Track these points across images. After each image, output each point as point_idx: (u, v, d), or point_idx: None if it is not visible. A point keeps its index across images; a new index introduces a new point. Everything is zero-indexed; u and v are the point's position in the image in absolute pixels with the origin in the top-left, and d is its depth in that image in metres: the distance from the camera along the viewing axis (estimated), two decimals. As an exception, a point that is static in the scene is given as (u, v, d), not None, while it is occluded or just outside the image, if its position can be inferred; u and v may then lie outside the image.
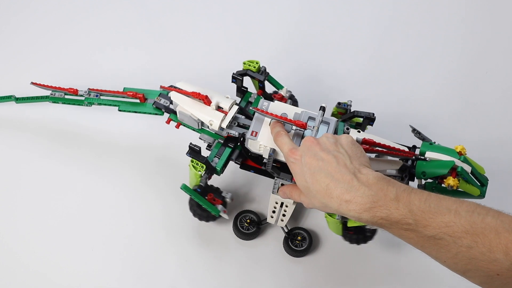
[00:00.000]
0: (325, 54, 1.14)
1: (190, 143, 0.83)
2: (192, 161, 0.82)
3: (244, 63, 0.91)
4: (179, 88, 0.87)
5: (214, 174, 0.86)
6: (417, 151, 0.83)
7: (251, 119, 0.84)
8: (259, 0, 1.21)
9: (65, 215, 0.93)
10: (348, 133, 0.84)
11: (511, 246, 0.57)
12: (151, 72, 1.08)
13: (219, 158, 0.85)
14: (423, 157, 0.82)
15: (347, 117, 0.89)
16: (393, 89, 1.10)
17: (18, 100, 0.97)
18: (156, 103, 0.89)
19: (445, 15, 1.20)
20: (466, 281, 0.63)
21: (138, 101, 0.91)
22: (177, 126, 0.88)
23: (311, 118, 0.81)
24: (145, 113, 0.90)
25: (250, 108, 0.85)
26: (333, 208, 0.66)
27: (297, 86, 1.04)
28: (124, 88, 0.91)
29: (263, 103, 0.83)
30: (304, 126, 0.79)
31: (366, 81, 1.11)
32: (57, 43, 1.12)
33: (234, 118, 0.84)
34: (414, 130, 0.87)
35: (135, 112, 0.91)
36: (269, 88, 0.95)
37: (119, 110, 0.91)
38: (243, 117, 0.85)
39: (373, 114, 0.88)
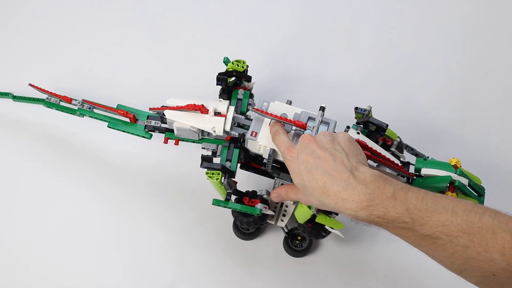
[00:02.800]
0: (323, 57, 1.14)
1: (202, 155, 0.82)
2: (207, 173, 0.80)
3: (232, 63, 0.88)
4: (170, 106, 0.85)
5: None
6: (412, 168, 0.83)
7: (246, 116, 0.84)
8: (261, 4, 1.21)
9: (65, 215, 0.93)
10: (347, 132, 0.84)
11: (507, 246, 0.57)
12: (149, 72, 1.08)
13: (230, 161, 0.84)
14: (418, 174, 0.82)
15: (362, 121, 0.87)
16: (393, 90, 1.10)
17: (16, 98, 0.97)
18: (148, 126, 0.88)
19: (445, 16, 1.20)
20: (463, 280, 0.63)
21: (128, 120, 0.89)
22: (176, 143, 0.87)
23: (311, 118, 0.81)
24: (133, 134, 0.88)
25: (250, 109, 0.84)
26: (330, 205, 0.66)
27: (296, 87, 1.04)
28: (117, 105, 0.90)
29: (263, 103, 0.83)
30: (304, 127, 0.79)
31: (365, 83, 1.11)
32: (58, 44, 1.12)
33: (233, 119, 0.84)
34: (406, 146, 0.87)
35: (124, 131, 0.89)
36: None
37: (108, 127, 0.89)
38: (239, 116, 0.85)
39: (387, 125, 0.85)
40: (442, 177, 0.80)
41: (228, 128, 0.83)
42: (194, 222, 0.92)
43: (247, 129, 0.82)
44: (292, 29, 1.17)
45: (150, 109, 0.88)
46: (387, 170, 0.83)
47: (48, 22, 1.14)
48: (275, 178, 0.85)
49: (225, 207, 0.83)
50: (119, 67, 1.09)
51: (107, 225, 0.92)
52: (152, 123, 0.88)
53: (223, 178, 0.80)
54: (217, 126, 0.83)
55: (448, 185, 0.79)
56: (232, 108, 0.84)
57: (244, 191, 0.87)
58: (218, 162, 0.83)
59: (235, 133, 0.83)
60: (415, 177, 0.83)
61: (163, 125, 0.87)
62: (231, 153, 0.85)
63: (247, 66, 0.88)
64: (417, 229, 0.61)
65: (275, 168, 0.83)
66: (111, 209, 0.94)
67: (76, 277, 0.88)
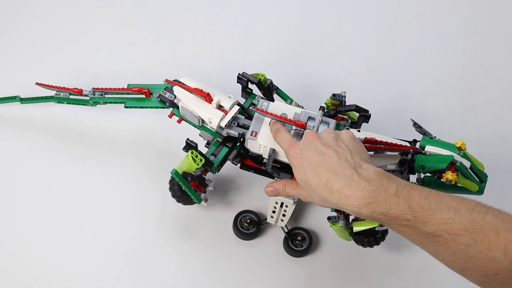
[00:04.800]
0: (325, 52, 1.14)
1: (187, 139, 0.83)
2: (192, 153, 0.81)
3: (252, 74, 0.89)
4: (183, 83, 0.87)
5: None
6: (418, 145, 0.83)
7: (247, 116, 0.84)
8: (261, 2, 1.21)
9: (65, 215, 0.92)
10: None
11: (510, 246, 0.57)
12: (152, 70, 1.08)
13: (215, 157, 0.85)
14: (422, 151, 0.82)
15: (346, 109, 0.88)
16: (394, 87, 1.10)
17: (23, 100, 0.96)
18: (161, 96, 0.88)
19: (445, 14, 1.21)
20: (465, 281, 0.63)
21: (143, 96, 0.91)
22: (179, 121, 0.88)
23: (311, 118, 0.81)
24: (151, 107, 0.90)
25: (251, 108, 0.85)
26: (333, 202, 0.66)
27: (296, 85, 1.04)
28: (128, 84, 0.91)
29: (263, 103, 0.83)
30: (304, 126, 0.79)
31: (366, 79, 1.11)
32: (60, 42, 1.12)
33: (234, 118, 0.84)
34: (415, 124, 0.87)
35: (142, 107, 0.90)
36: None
37: (126, 107, 0.91)
38: (243, 117, 0.85)
39: (368, 111, 0.87)
40: (444, 156, 0.79)
41: (223, 124, 0.83)
42: (195, 222, 0.92)
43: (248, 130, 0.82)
44: (291, 29, 1.17)
45: (166, 80, 0.89)
46: (387, 152, 0.84)
47: (49, 22, 1.14)
48: (275, 178, 0.85)
49: (179, 181, 0.82)
50: (119, 66, 1.09)
51: (107, 225, 0.92)
52: (167, 95, 0.88)
53: (201, 167, 0.81)
54: (214, 118, 0.83)
55: (449, 165, 0.79)
56: (235, 108, 0.84)
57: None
58: (204, 152, 0.84)
59: (234, 133, 0.83)
60: (413, 151, 0.83)
61: (175, 100, 0.88)
62: (219, 150, 0.85)
63: (269, 79, 0.90)
64: (419, 227, 0.61)
65: (275, 168, 0.84)
66: (111, 210, 0.93)
67: (76, 277, 0.87)
